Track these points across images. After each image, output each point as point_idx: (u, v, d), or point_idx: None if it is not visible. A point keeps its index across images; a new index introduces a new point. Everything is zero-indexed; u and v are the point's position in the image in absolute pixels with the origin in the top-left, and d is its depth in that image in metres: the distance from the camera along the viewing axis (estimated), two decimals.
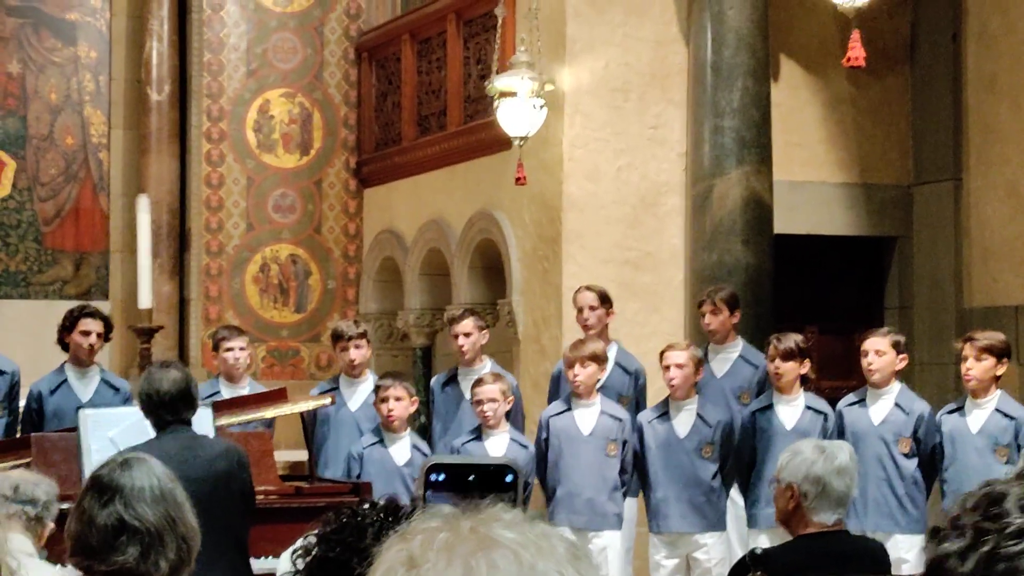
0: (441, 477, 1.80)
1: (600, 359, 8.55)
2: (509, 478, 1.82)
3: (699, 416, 8.48)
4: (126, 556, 3.45)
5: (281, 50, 13.12)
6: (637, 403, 9.02)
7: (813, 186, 11.18)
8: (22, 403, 9.18)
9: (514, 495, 1.82)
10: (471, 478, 1.81)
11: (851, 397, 8.55)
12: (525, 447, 8.50)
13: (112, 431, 7.49)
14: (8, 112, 12.72)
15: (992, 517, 1.85)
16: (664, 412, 8.55)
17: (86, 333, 9.04)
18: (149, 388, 6.24)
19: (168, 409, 6.22)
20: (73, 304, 9.67)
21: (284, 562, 3.55)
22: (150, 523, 3.50)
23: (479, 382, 8.49)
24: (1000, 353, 8.02)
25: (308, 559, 2.68)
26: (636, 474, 8.61)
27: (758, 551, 5.11)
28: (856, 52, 7.39)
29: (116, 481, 3.54)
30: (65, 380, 9.06)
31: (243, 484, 6.27)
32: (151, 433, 7.33)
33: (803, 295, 11.22)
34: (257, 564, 6.69)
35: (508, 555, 1.43)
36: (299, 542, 2.98)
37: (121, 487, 3.52)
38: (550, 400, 8.98)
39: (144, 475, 3.59)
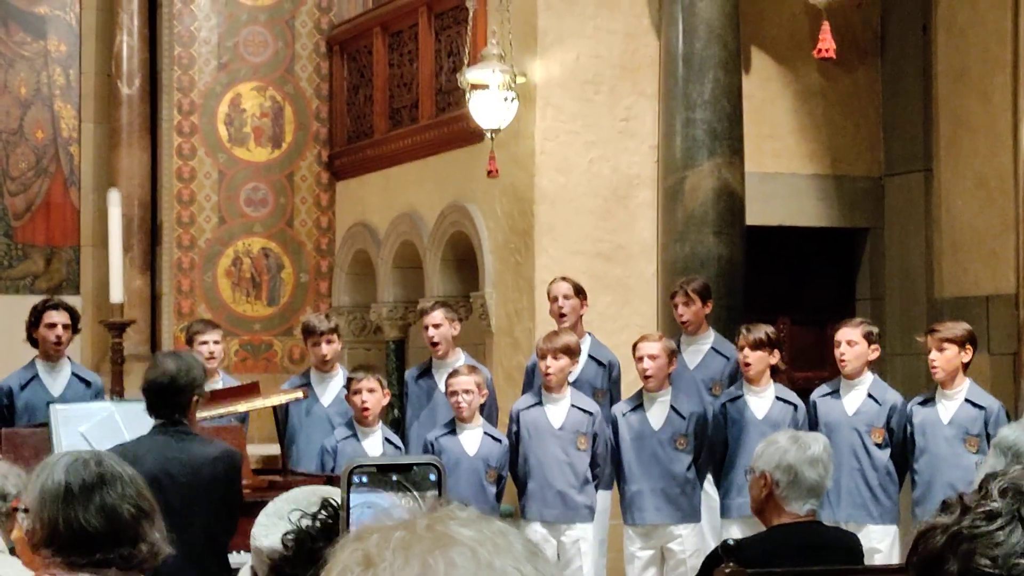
0: (363, 478, 1.79)
1: (572, 352, 8.55)
2: (433, 476, 1.81)
3: (672, 408, 8.49)
4: (153, 539, 3.48)
5: (252, 43, 13.08)
6: (611, 395, 9.02)
7: (785, 177, 11.20)
8: None
9: (438, 494, 1.81)
10: (395, 477, 1.81)
11: (824, 388, 8.58)
12: (499, 440, 8.50)
13: (83, 426, 7.48)
14: None
15: (982, 498, 1.87)
16: (638, 404, 8.56)
17: (52, 326, 9.01)
18: (147, 378, 6.19)
19: (162, 400, 6.15)
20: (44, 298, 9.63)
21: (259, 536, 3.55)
22: (154, 505, 3.54)
23: (454, 374, 8.48)
24: (962, 341, 8.05)
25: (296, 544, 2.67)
26: (610, 466, 8.63)
27: (731, 542, 5.12)
28: (827, 44, 7.40)
29: (116, 472, 3.55)
30: (36, 375, 9.02)
31: (229, 491, 6.19)
32: (122, 428, 7.32)
33: (775, 286, 11.24)
34: (229, 558, 6.67)
35: (466, 552, 1.42)
36: (285, 523, 2.99)
37: (123, 476, 3.54)
38: (524, 392, 8.98)
39: (125, 464, 3.63)
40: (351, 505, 1.76)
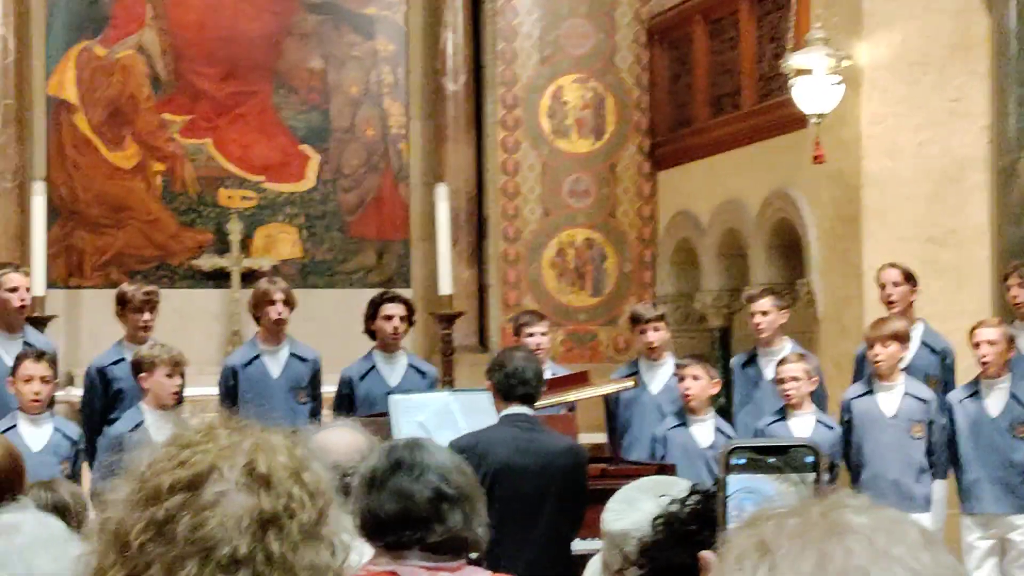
0: (742, 460, 1.79)
1: (902, 338, 8.40)
2: (810, 459, 1.80)
3: (1012, 395, 8.26)
4: (454, 522, 3.57)
5: (573, 36, 13.20)
6: (945, 383, 8.82)
7: None
8: (325, 389, 9.46)
9: (816, 476, 1.80)
10: (771, 460, 1.80)
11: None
12: (831, 428, 8.40)
13: (421, 416, 7.67)
14: (312, 106, 13.11)
15: None
16: (975, 391, 8.36)
17: (389, 318, 9.26)
18: (500, 369, 6.34)
19: (516, 391, 6.30)
20: (376, 292, 9.91)
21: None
22: (464, 490, 3.62)
23: (783, 361, 8.42)
24: None
25: (667, 528, 2.69)
26: (947, 455, 8.44)
27: None
28: None
29: (418, 458, 3.66)
30: (374, 366, 9.29)
31: (577, 485, 6.31)
32: (458, 419, 7.49)
33: None
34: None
35: (862, 540, 1.40)
36: (634, 510, 3.02)
37: (426, 463, 3.64)
38: (854, 381, 8.85)
39: (437, 452, 3.75)
40: (729, 490, 1.77)
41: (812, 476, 1.78)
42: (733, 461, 1.79)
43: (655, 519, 2.69)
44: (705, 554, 1.78)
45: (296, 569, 1.81)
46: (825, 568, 1.38)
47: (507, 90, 13.09)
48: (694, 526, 2.61)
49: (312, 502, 1.86)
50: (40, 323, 10.20)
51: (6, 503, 3.63)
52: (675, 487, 2.93)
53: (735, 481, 1.78)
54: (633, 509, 3.22)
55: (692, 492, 2.68)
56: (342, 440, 4.38)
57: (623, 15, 13.26)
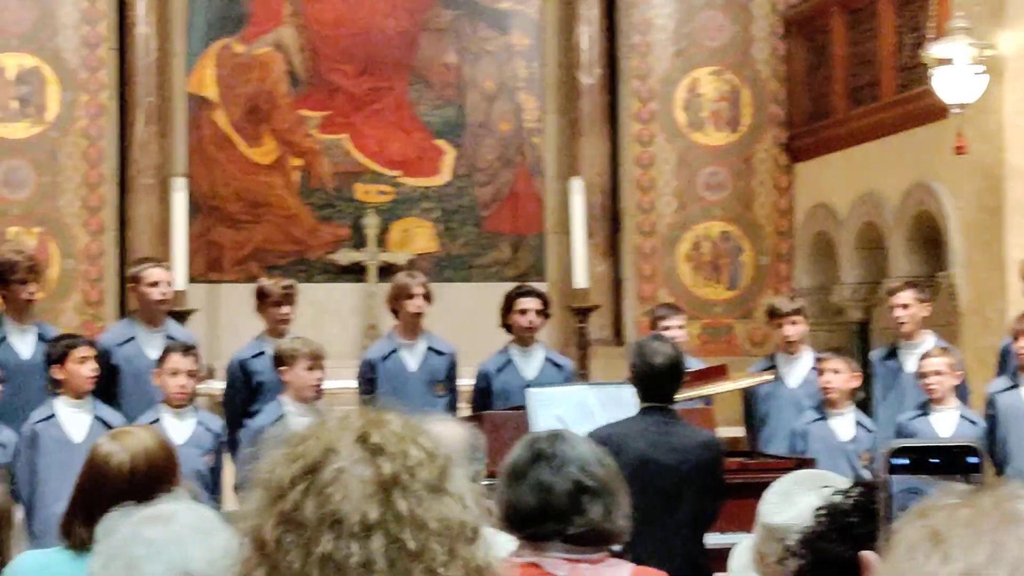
0: (904, 461, 1.76)
1: None
2: (973, 459, 1.77)
3: None
4: (593, 515, 3.57)
5: (708, 28, 13.13)
6: None
7: None
8: (461, 382, 9.51)
9: (980, 477, 1.77)
10: (934, 461, 1.77)
11: None
12: (974, 423, 8.28)
13: (558, 409, 7.67)
14: (447, 101, 13.17)
15: None
16: None
17: (524, 311, 9.29)
18: (641, 360, 6.32)
19: (657, 382, 6.29)
20: (511, 286, 9.94)
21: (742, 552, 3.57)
22: (605, 482, 3.62)
23: (926, 355, 8.32)
24: None
25: (829, 520, 2.67)
26: None
27: None
28: None
29: (559, 450, 3.67)
30: (510, 360, 9.32)
31: (714, 479, 6.27)
32: (595, 412, 7.48)
33: None
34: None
35: None
36: (790, 505, 3.01)
37: (566, 455, 3.65)
38: (998, 375, 8.72)
39: (579, 444, 3.75)
40: (892, 489, 1.75)
41: (976, 477, 1.75)
42: (895, 461, 1.77)
43: (817, 509, 2.67)
44: (867, 554, 1.76)
45: (427, 522, 1.83)
46: (999, 557, 1.37)
47: (642, 83, 13.06)
48: (856, 518, 2.58)
49: (431, 460, 1.88)
50: (181, 317, 10.36)
51: (162, 494, 3.69)
52: (833, 480, 2.90)
53: (897, 481, 1.76)
54: (791, 503, 3.20)
55: (855, 484, 2.67)
56: (444, 433, 4.39)
57: (759, 7, 13.16)
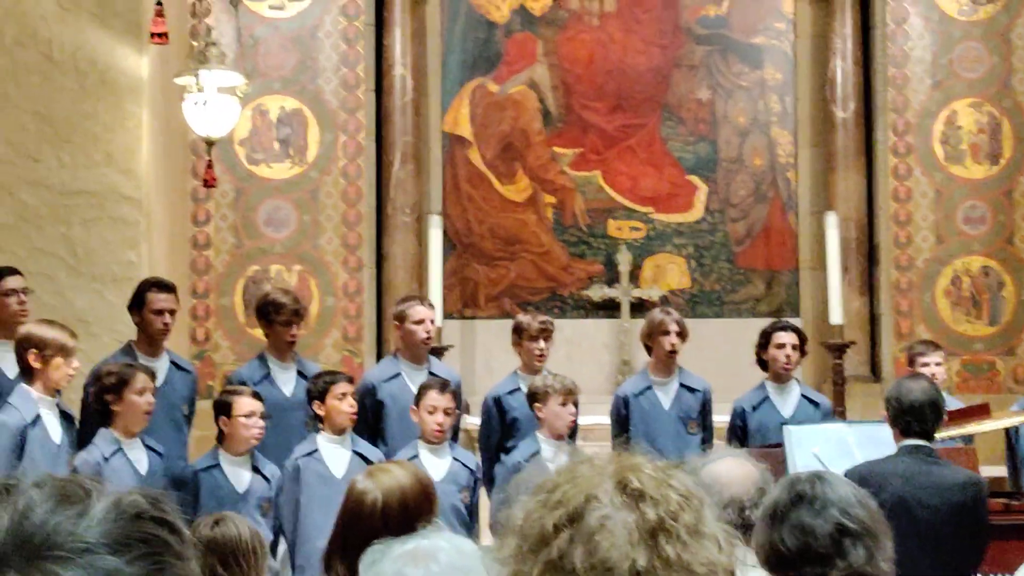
0: None
1: None
2: None
3: None
4: (854, 559, 3.53)
5: (967, 59, 12.86)
6: None
7: None
8: (716, 418, 9.45)
9: None
10: None
11: None
12: None
13: (816, 447, 7.59)
14: (700, 137, 13.15)
15: None
16: None
17: (781, 346, 9.21)
18: (898, 398, 6.25)
19: (915, 420, 6.20)
20: (765, 322, 9.86)
21: None
22: (868, 525, 3.57)
23: None
24: None
25: None
26: None
27: None
28: None
29: (820, 492, 3.62)
30: (767, 397, 9.24)
31: (977, 521, 6.12)
32: (853, 450, 7.38)
33: None
34: None
35: None
36: None
37: (828, 496, 3.60)
38: None
39: (840, 485, 3.69)
40: None
41: None
42: None
43: None
44: None
45: (693, 566, 1.84)
46: None
47: (898, 116, 12.85)
48: None
49: (688, 503, 1.89)
50: (438, 353, 10.52)
51: (421, 528, 3.75)
52: None
53: None
54: None
55: None
56: (735, 472, 4.36)
57: (1020, 36, 12.85)
